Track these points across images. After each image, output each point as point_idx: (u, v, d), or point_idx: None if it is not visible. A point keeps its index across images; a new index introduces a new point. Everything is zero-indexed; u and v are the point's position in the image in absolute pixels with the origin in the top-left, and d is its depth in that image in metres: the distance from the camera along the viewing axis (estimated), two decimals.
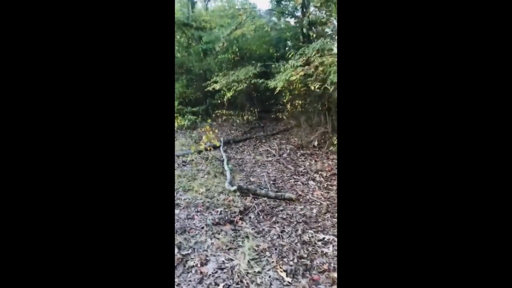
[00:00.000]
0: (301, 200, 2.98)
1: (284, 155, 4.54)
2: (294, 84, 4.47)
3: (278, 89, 4.45)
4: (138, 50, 0.78)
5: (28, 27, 0.70)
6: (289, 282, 1.79)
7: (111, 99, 0.75)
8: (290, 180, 3.54)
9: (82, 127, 0.73)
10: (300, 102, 4.99)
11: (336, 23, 4.61)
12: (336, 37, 4.91)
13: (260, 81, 5.19)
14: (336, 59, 3.65)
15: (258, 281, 1.84)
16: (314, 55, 3.96)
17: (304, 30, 5.07)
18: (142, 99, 0.78)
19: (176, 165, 4.22)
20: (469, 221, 0.68)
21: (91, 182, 0.73)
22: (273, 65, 6.26)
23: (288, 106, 5.28)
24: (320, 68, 3.90)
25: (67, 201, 0.71)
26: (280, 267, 1.93)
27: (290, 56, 4.61)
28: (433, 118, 0.72)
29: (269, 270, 1.93)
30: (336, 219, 2.53)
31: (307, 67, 4.03)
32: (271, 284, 1.81)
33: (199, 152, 4.55)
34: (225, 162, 4.14)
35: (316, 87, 4.66)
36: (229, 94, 6.15)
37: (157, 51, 0.80)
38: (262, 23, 7.41)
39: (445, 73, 0.71)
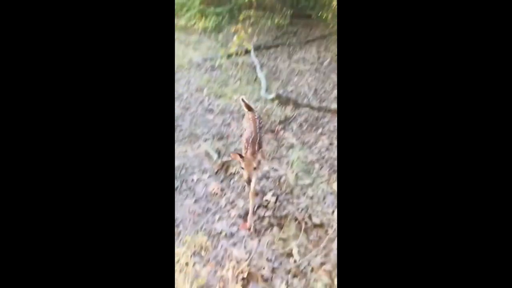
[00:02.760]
0: None
1: (325, 63, 3.99)
2: None
3: None
4: (137, 45, 0.77)
5: (28, 27, 0.70)
6: None
7: (110, 93, 0.74)
8: (334, 91, 3.13)
9: (80, 126, 0.72)
10: None
11: None
12: None
13: None
14: None
15: (310, 193, 1.67)
16: None
17: None
18: (142, 93, 0.77)
19: (203, 69, 3.83)
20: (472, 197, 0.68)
21: (89, 178, 0.72)
22: None
23: (334, 2, 4.38)
24: None
25: (65, 195, 0.71)
26: (334, 181, 1.74)
27: None
28: (433, 113, 0.70)
29: (321, 183, 1.74)
30: None
31: None
32: (324, 198, 1.64)
33: (228, 56, 4.06)
34: (257, 69, 3.69)
35: None
36: None
37: (156, 46, 0.78)
38: None
39: (446, 69, 0.70)
